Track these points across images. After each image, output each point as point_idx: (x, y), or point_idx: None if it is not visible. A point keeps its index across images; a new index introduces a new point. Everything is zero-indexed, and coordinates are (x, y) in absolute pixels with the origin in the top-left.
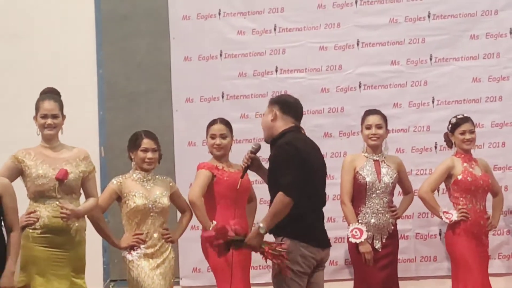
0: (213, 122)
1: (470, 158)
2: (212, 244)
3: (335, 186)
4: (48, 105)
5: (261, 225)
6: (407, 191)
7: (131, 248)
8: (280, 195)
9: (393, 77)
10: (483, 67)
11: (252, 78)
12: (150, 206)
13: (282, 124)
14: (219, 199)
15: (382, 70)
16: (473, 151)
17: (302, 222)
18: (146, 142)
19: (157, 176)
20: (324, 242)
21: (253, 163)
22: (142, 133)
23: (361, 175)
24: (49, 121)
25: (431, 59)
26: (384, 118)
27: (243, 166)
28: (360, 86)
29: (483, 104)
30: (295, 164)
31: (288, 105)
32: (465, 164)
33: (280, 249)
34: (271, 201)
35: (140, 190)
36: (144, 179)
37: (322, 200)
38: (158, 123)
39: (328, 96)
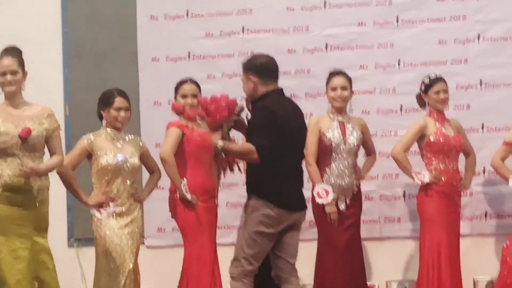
0: (183, 82)
1: (443, 118)
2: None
3: None
4: (7, 61)
5: (220, 144)
6: (370, 152)
7: (100, 206)
8: (252, 148)
9: (359, 38)
10: (449, 29)
11: (218, 38)
12: (120, 164)
13: (263, 88)
14: (189, 158)
15: (349, 32)
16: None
17: (271, 184)
18: (119, 101)
19: (127, 135)
20: (295, 205)
21: (236, 123)
22: (115, 91)
23: (326, 136)
24: (8, 77)
25: (397, 21)
26: (349, 80)
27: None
28: (326, 47)
29: (449, 67)
30: (268, 127)
31: (263, 69)
32: (437, 124)
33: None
34: None
35: (111, 149)
36: (115, 138)
37: (298, 161)
38: (123, 82)
39: (294, 57)
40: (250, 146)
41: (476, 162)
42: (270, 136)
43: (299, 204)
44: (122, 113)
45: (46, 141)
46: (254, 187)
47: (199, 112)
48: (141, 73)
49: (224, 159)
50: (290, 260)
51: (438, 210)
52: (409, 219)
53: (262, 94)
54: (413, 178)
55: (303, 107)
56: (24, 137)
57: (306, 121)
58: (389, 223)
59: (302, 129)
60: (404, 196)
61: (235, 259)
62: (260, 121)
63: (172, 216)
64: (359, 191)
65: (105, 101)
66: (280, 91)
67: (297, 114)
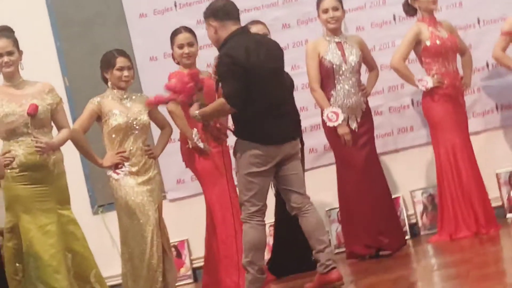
0: (177, 32)
1: (435, 21)
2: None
3: (301, 76)
4: (1, 43)
5: (197, 113)
6: (371, 67)
7: (116, 166)
8: (222, 100)
9: None
10: None
11: None
12: (131, 123)
13: (225, 32)
14: None
15: None
16: (437, 15)
17: (252, 124)
18: (120, 61)
19: (134, 93)
20: (281, 139)
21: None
22: (115, 52)
23: (326, 59)
24: (5, 59)
25: None
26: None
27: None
28: None
29: None
30: (233, 73)
31: (219, 11)
32: (431, 28)
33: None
34: None
35: (120, 109)
36: (122, 98)
37: (276, 95)
38: (116, 44)
39: None
40: (219, 100)
41: (472, 59)
42: (235, 81)
43: (286, 136)
44: (125, 72)
45: (51, 116)
46: (238, 131)
47: (170, 97)
48: (131, 31)
49: (213, 128)
50: (299, 190)
51: (445, 113)
52: (422, 126)
53: (224, 39)
54: (416, 86)
55: (297, 35)
56: (33, 114)
57: (303, 49)
58: (402, 133)
59: (272, 61)
60: (412, 104)
61: (241, 204)
62: (222, 70)
63: (187, 166)
64: (367, 107)
65: (107, 63)
66: (242, 30)
67: (263, 49)
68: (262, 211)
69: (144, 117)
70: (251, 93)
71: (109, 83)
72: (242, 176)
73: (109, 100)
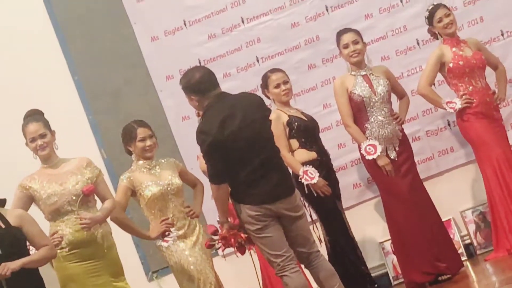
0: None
1: (458, 41)
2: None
3: (334, 113)
4: (32, 128)
5: (217, 219)
6: (401, 95)
7: (163, 235)
8: (210, 185)
9: None
10: None
11: (222, 36)
12: (165, 189)
13: (206, 102)
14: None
15: None
16: (460, 33)
17: (240, 187)
18: (141, 132)
19: (160, 160)
20: (272, 196)
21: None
22: (134, 124)
23: (355, 93)
24: (39, 142)
25: None
26: (357, 33)
27: None
28: (327, 10)
29: None
30: (210, 154)
31: (197, 86)
32: (454, 49)
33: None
34: None
35: (151, 179)
36: (150, 167)
37: (260, 156)
38: (146, 108)
39: (300, 29)
40: (210, 185)
41: (505, 72)
42: (213, 161)
43: (277, 195)
44: (148, 142)
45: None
46: (231, 195)
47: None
48: (160, 94)
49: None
50: (302, 249)
51: (482, 131)
52: (461, 145)
53: (203, 110)
54: (445, 109)
55: (323, 74)
56: (88, 194)
57: (331, 87)
58: (443, 155)
59: (250, 122)
60: (448, 125)
61: (269, 262)
62: (201, 148)
63: (234, 220)
64: (404, 135)
65: (128, 136)
66: (218, 97)
67: (239, 112)
68: (288, 258)
69: (177, 180)
70: (234, 160)
71: (133, 156)
72: (252, 236)
73: (138, 173)
